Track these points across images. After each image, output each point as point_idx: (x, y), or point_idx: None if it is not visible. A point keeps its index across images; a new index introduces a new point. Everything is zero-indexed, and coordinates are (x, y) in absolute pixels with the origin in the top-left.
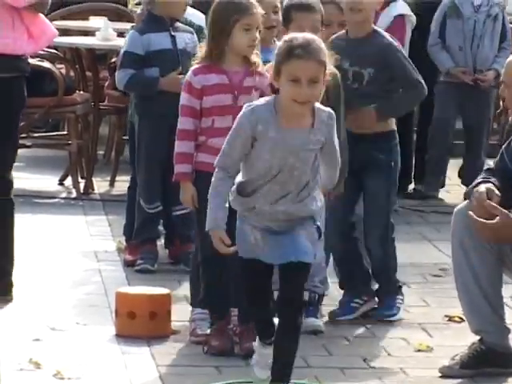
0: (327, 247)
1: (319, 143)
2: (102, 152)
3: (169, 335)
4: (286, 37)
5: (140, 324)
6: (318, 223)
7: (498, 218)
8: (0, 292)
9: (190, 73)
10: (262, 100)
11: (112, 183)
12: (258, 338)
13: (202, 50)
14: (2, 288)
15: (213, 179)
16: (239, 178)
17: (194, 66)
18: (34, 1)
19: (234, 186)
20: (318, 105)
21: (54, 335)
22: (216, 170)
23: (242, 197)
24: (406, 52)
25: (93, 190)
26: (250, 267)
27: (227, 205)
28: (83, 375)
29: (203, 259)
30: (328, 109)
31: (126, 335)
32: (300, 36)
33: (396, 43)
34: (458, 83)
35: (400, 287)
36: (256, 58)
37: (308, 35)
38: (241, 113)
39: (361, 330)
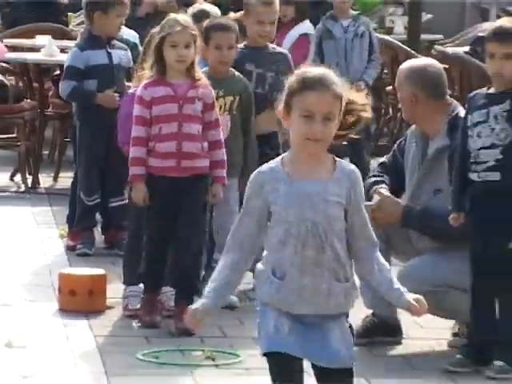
0: None
1: (341, 198)
2: (46, 152)
3: (104, 310)
4: (299, 70)
5: (80, 300)
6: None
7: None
8: None
9: (140, 87)
10: (269, 163)
11: (56, 179)
12: None
13: (146, 65)
14: None
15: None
16: (266, 260)
17: (143, 80)
18: None
19: (265, 271)
20: (339, 159)
21: (4, 310)
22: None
23: (276, 278)
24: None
25: (39, 184)
26: (274, 359)
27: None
28: (30, 344)
29: (147, 241)
30: (352, 166)
31: (67, 310)
32: (314, 69)
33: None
34: None
35: None
36: (200, 74)
37: (322, 69)
38: (248, 183)
39: None
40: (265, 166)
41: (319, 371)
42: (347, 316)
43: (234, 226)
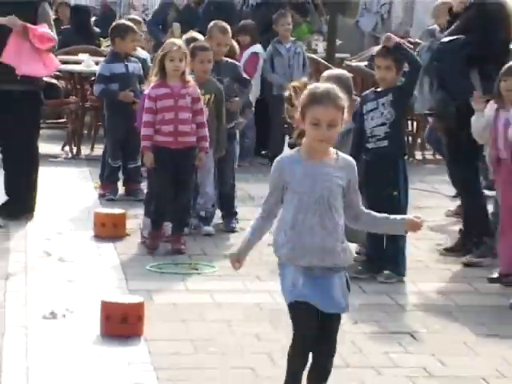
0: None
1: (343, 180)
2: (85, 131)
3: (125, 236)
4: (310, 85)
5: (108, 230)
6: (347, 275)
7: None
8: (29, 208)
9: (149, 88)
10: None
11: (92, 149)
12: None
13: (154, 73)
14: (31, 206)
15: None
16: (284, 221)
17: (152, 83)
18: (49, 46)
19: (283, 229)
20: (340, 152)
21: (57, 236)
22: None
23: (292, 231)
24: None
25: (80, 153)
26: (293, 306)
27: (252, 237)
28: (75, 259)
29: (155, 192)
30: (350, 157)
31: (99, 236)
32: (321, 85)
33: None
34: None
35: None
36: (189, 78)
37: (328, 85)
38: (273, 166)
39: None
40: (284, 154)
41: (321, 317)
42: (345, 271)
43: (266, 197)
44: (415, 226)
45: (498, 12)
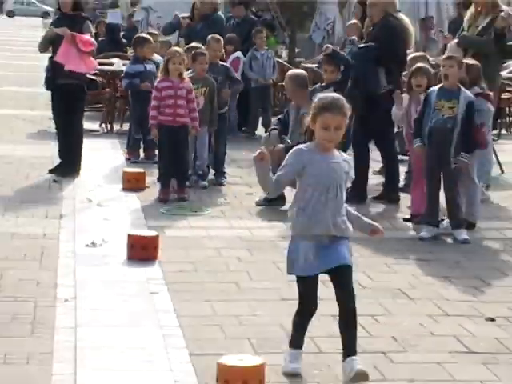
0: None
1: (346, 171)
2: (116, 113)
3: (145, 189)
4: (321, 95)
5: (132, 184)
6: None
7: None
8: (76, 168)
9: (157, 81)
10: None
11: (121, 126)
12: (290, 344)
13: (161, 71)
14: (77, 167)
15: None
16: (299, 201)
17: (158, 78)
18: (90, 49)
19: (298, 207)
20: (339, 151)
21: (95, 189)
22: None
23: (304, 212)
24: (239, 73)
25: (113, 129)
26: (303, 282)
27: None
28: (109, 205)
29: (160, 159)
30: (346, 154)
31: (126, 189)
32: (329, 95)
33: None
34: (261, 86)
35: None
36: (186, 76)
37: (334, 95)
38: (292, 151)
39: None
40: (301, 145)
41: (334, 273)
42: (348, 239)
43: (279, 172)
44: (378, 233)
45: (398, 26)
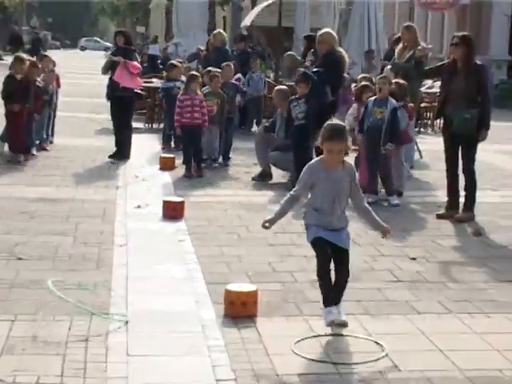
0: None
1: (348, 180)
2: (155, 116)
3: (175, 168)
4: (326, 124)
5: (167, 166)
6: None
7: None
8: (127, 155)
9: (179, 95)
10: (315, 159)
11: (158, 125)
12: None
13: (184, 88)
14: (128, 153)
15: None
16: (312, 204)
17: (181, 92)
18: (137, 71)
19: (311, 208)
20: (344, 160)
21: (142, 169)
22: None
23: (316, 211)
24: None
25: (153, 127)
26: (317, 244)
27: (284, 208)
28: (149, 179)
29: (183, 148)
30: (350, 163)
31: (163, 169)
32: (334, 124)
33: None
34: (255, 98)
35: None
36: (200, 92)
37: (338, 123)
38: (306, 167)
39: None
40: (312, 162)
41: (335, 253)
42: (346, 229)
43: (298, 185)
44: (387, 233)
45: (338, 57)
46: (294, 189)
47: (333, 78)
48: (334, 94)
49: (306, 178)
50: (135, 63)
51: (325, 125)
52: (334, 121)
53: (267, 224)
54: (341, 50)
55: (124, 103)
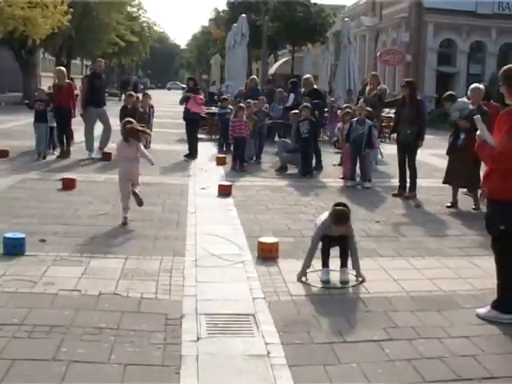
0: None
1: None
2: (213, 131)
3: (225, 164)
4: (332, 209)
5: (220, 162)
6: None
7: None
8: (196, 155)
9: (231, 118)
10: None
11: (215, 136)
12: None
13: (234, 114)
14: (196, 154)
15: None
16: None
17: (231, 116)
18: (202, 102)
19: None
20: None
21: (205, 164)
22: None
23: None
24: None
25: (212, 137)
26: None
27: (307, 261)
28: (210, 170)
29: (233, 151)
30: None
31: (218, 164)
32: (338, 210)
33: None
34: (277, 121)
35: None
36: (244, 116)
37: (341, 210)
38: (317, 228)
39: None
40: (324, 221)
41: (340, 240)
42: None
43: (312, 242)
44: (362, 281)
45: (319, 91)
46: (311, 246)
47: (324, 105)
48: (320, 115)
49: (318, 236)
50: (201, 97)
51: (332, 211)
52: (340, 206)
53: (303, 278)
54: (320, 87)
55: (194, 122)
